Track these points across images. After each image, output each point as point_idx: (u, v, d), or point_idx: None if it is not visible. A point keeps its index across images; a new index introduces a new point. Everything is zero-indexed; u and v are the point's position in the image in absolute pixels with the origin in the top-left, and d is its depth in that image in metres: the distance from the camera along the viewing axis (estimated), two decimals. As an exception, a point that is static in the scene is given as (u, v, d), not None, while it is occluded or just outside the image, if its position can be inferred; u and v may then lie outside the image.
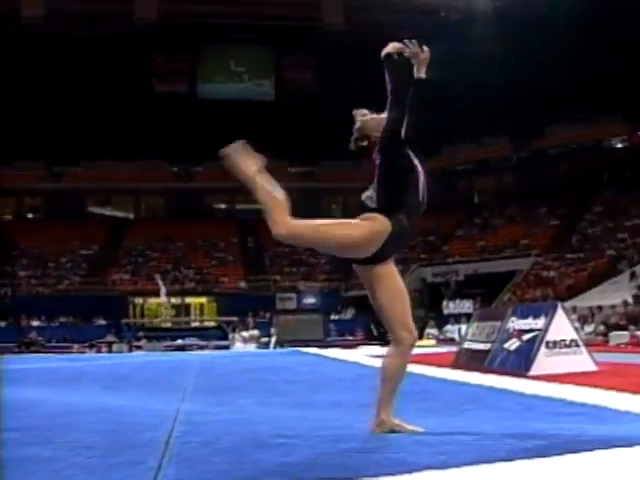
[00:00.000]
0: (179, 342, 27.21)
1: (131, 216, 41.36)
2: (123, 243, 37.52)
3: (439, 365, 9.49)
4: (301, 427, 4.03)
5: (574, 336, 7.96)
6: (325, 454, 3.14)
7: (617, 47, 32.80)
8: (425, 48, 3.60)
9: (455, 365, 9.25)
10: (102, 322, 30.31)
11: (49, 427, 4.17)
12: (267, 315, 29.07)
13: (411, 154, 3.67)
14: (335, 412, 4.93)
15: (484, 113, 34.66)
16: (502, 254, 32.38)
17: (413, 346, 3.75)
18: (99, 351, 25.71)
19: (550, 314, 7.90)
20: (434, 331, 26.60)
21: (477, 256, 32.83)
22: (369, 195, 3.73)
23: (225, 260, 36.60)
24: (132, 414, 4.82)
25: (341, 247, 3.58)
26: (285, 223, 3.42)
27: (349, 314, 31.34)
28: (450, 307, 29.57)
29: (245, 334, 25.03)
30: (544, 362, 7.61)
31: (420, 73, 3.62)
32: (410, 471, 2.65)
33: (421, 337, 25.29)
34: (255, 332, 25.31)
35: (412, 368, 8.35)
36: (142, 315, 31.65)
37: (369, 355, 12.49)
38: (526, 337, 8.00)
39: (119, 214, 41.19)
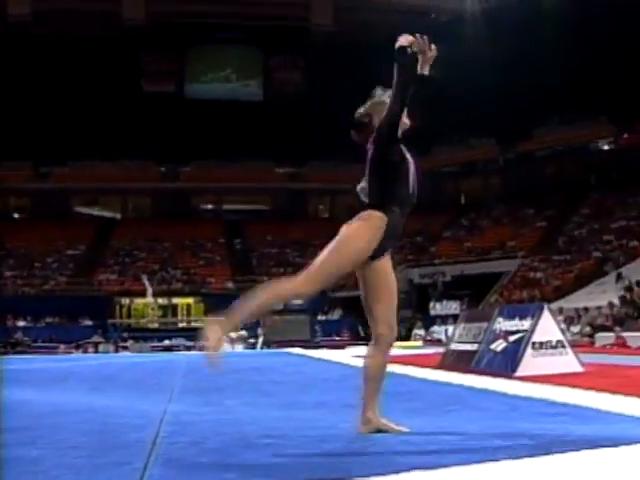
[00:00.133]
0: (166, 342, 27.15)
1: (118, 216, 41.25)
2: (110, 243, 37.37)
3: (425, 366, 9.52)
4: (288, 427, 4.04)
5: (560, 337, 8.00)
6: (312, 455, 3.16)
7: (604, 50, 32.99)
8: (433, 46, 3.58)
9: (442, 366, 9.27)
10: (88, 322, 30.24)
11: (35, 427, 4.15)
12: (254, 316, 28.97)
13: (403, 148, 3.69)
14: (320, 412, 4.95)
15: (471, 114, 34.79)
16: (489, 255, 32.48)
17: (392, 344, 3.76)
18: (85, 351, 25.65)
19: (536, 315, 7.93)
20: (421, 332, 26.68)
21: (464, 257, 32.90)
22: (363, 186, 3.76)
23: (212, 260, 36.52)
24: (119, 414, 4.81)
25: (353, 262, 3.61)
26: (299, 286, 3.50)
27: (336, 315, 31.35)
28: (437, 308, 29.65)
29: (232, 335, 24.95)
30: (530, 363, 7.64)
31: (423, 70, 3.60)
32: (398, 471, 2.65)
33: (408, 338, 25.34)
34: (242, 333, 25.27)
35: (398, 369, 8.42)
36: (129, 315, 31.50)
37: (355, 356, 12.49)
38: (512, 338, 8.02)
39: (106, 214, 41.09)
